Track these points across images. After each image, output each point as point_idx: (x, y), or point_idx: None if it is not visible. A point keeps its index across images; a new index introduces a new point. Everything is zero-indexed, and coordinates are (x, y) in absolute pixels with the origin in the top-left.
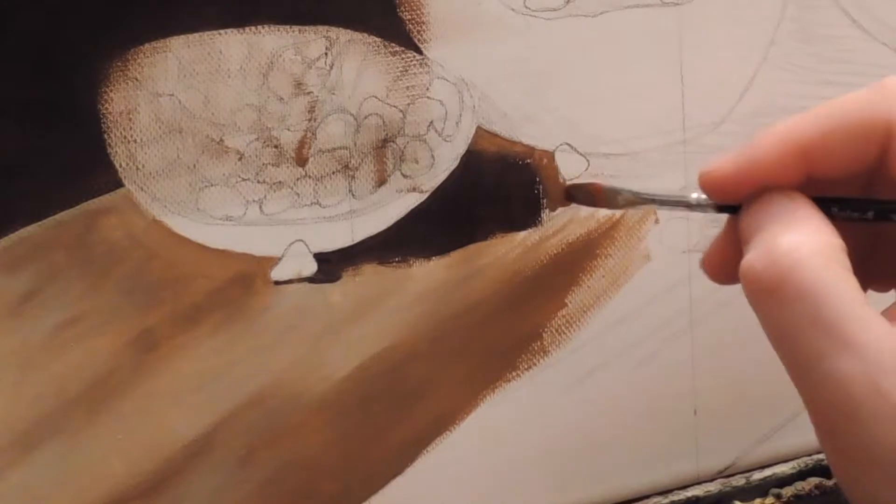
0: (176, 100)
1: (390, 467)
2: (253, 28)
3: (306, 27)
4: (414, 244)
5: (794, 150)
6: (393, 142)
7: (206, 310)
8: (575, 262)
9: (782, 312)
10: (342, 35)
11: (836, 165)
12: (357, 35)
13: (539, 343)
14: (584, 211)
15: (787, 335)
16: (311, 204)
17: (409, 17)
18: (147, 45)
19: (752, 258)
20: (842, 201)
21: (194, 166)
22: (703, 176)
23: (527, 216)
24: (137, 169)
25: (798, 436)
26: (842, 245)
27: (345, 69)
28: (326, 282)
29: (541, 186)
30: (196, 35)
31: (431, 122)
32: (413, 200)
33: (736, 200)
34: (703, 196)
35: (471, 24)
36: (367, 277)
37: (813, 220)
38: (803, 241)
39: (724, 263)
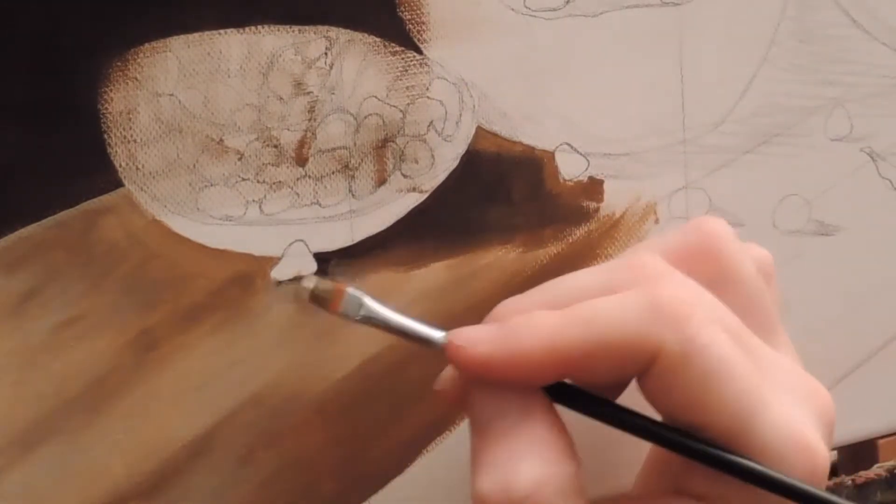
0: (176, 100)
1: (390, 467)
2: (253, 28)
3: (306, 27)
4: (414, 244)
5: (555, 358)
6: (393, 142)
7: (206, 310)
8: (575, 262)
9: None
10: (342, 35)
11: (595, 380)
12: (357, 35)
13: None
14: (585, 210)
15: None
16: (311, 204)
17: (409, 17)
18: (147, 45)
19: (487, 489)
20: (586, 402)
21: (194, 166)
22: (454, 349)
23: (526, 215)
24: (137, 169)
25: None
26: (577, 473)
27: (345, 69)
28: None
29: (541, 186)
30: (196, 35)
31: (431, 122)
32: (413, 200)
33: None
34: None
35: (471, 24)
36: (368, 277)
37: (553, 446)
38: (543, 481)
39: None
